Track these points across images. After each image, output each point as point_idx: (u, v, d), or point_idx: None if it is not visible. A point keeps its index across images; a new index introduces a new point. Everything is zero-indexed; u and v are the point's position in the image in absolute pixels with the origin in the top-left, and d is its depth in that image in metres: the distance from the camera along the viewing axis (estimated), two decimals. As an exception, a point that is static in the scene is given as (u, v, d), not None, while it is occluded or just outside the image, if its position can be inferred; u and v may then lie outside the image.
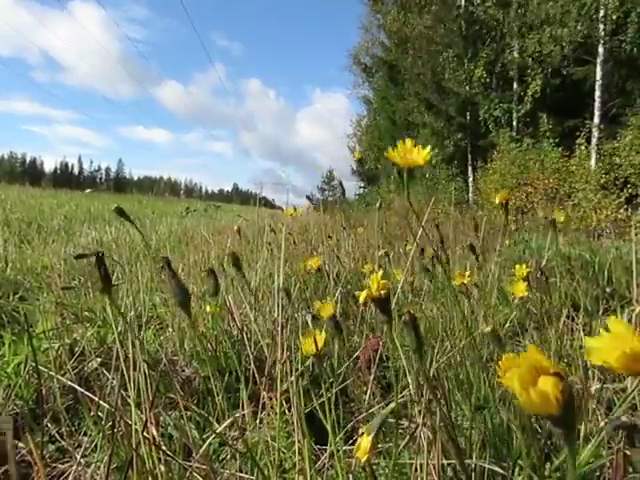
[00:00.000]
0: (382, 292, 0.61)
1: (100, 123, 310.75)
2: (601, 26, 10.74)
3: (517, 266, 1.44)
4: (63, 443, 1.09)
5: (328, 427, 0.73)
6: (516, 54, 13.22)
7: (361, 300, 0.61)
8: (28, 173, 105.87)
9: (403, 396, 1.06)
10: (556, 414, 0.34)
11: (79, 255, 0.85)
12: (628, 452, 0.37)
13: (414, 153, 0.71)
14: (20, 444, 1.11)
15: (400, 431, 1.08)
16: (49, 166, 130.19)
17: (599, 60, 11.02)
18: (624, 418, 0.35)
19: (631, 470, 0.68)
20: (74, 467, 0.96)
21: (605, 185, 9.49)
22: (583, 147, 10.58)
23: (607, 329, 0.42)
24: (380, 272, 0.60)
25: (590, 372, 1.24)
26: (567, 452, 0.38)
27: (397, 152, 0.70)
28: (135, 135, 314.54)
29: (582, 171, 10.10)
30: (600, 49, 10.95)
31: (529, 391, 0.34)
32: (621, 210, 8.45)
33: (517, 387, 0.34)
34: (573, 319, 1.63)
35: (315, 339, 0.77)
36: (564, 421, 0.35)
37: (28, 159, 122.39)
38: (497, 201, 1.15)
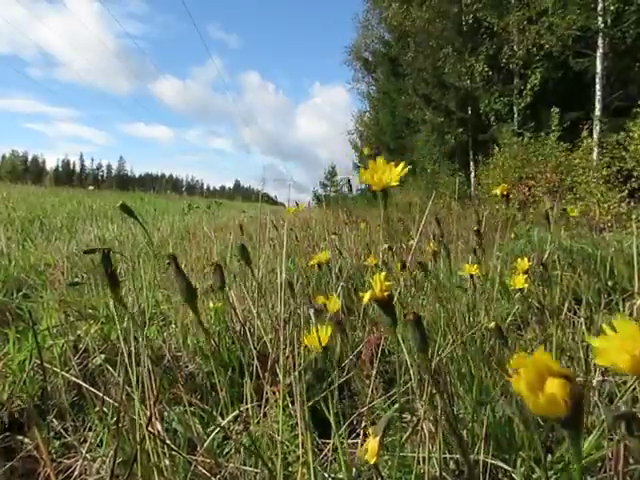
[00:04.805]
0: (385, 293, 0.60)
1: (100, 120, 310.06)
2: (600, 18, 10.67)
3: (519, 260, 1.45)
4: (68, 438, 1.10)
5: (331, 419, 0.74)
6: (516, 48, 13.13)
7: (365, 301, 0.61)
8: (30, 171, 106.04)
9: (406, 391, 1.06)
10: (564, 416, 0.34)
11: (87, 251, 0.86)
12: (628, 442, 0.37)
13: (386, 173, 0.69)
14: (26, 440, 1.12)
15: (403, 424, 1.08)
16: (51, 164, 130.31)
17: (599, 53, 10.94)
18: (623, 408, 0.35)
19: (631, 460, 0.68)
20: (80, 462, 0.97)
21: (608, 179, 9.43)
22: (588, 140, 10.50)
23: (613, 328, 0.42)
24: (383, 272, 0.60)
25: (592, 365, 1.25)
26: (573, 452, 0.37)
27: (369, 173, 0.69)
28: (136, 132, 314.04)
29: (585, 164, 10.04)
30: (599, 41, 10.87)
31: (537, 395, 0.33)
32: (623, 204, 8.40)
33: (524, 391, 0.34)
34: (575, 312, 1.63)
35: (318, 335, 0.77)
36: (572, 423, 0.35)
37: (30, 157, 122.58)
38: (498, 192, 1.16)
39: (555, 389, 0.33)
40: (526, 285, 1.37)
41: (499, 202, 10.49)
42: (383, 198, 0.71)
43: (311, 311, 0.78)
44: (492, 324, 0.83)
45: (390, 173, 0.69)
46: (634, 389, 0.99)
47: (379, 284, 0.60)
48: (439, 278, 1.70)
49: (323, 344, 0.79)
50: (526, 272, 1.39)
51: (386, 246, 1.84)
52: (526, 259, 1.49)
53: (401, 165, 0.69)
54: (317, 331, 0.77)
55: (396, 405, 0.64)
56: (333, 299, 1.04)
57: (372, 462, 0.59)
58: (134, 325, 0.88)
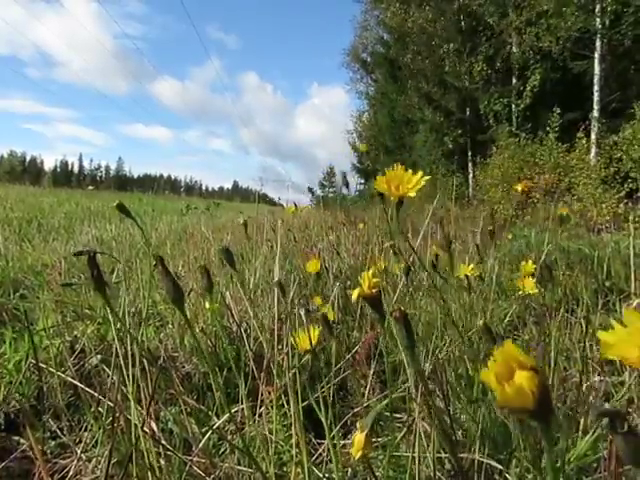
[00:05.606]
0: (373, 290, 0.61)
1: (99, 121, 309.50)
2: (598, 19, 10.69)
3: (524, 262, 1.46)
4: (64, 439, 1.10)
5: (323, 419, 0.74)
6: (515, 49, 13.15)
7: (354, 298, 0.61)
8: (28, 172, 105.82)
9: (403, 390, 1.06)
10: (532, 408, 0.34)
11: (78, 252, 0.86)
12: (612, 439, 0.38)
13: (405, 181, 0.63)
14: (21, 440, 1.12)
15: (398, 424, 1.08)
16: (49, 165, 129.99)
17: (597, 54, 10.96)
18: (607, 405, 0.35)
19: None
20: (75, 462, 0.97)
21: (605, 179, 9.44)
22: (583, 141, 10.51)
23: (622, 323, 0.41)
24: (372, 270, 0.60)
25: (589, 365, 1.25)
26: (545, 447, 0.38)
27: (386, 180, 0.64)
28: (135, 133, 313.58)
29: (582, 165, 10.06)
30: (597, 43, 10.90)
31: (505, 386, 0.34)
32: (621, 205, 8.42)
33: (493, 381, 0.35)
34: (572, 312, 1.63)
35: (309, 335, 0.77)
36: (540, 415, 0.35)
37: (28, 158, 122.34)
38: (519, 189, 1.17)
39: (523, 381, 0.34)
40: (534, 289, 1.37)
41: (497, 203, 10.52)
42: (397, 208, 0.66)
43: (302, 311, 0.78)
44: (480, 322, 0.83)
45: (407, 183, 0.64)
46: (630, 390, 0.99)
47: (367, 281, 0.60)
48: (439, 278, 1.69)
49: (314, 345, 0.79)
50: (532, 275, 1.39)
51: (388, 244, 1.84)
52: (530, 262, 1.49)
53: (419, 174, 0.65)
54: (308, 331, 0.77)
55: (386, 400, 0.64)
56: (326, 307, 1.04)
57: (357, 456, 0.59)
58: (124, 326, 0.88)
